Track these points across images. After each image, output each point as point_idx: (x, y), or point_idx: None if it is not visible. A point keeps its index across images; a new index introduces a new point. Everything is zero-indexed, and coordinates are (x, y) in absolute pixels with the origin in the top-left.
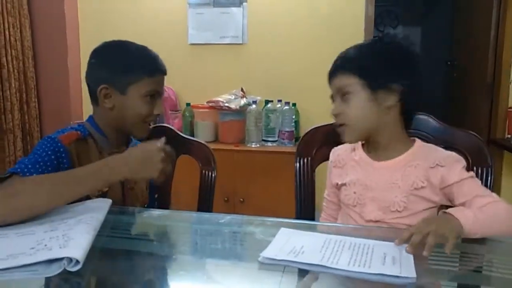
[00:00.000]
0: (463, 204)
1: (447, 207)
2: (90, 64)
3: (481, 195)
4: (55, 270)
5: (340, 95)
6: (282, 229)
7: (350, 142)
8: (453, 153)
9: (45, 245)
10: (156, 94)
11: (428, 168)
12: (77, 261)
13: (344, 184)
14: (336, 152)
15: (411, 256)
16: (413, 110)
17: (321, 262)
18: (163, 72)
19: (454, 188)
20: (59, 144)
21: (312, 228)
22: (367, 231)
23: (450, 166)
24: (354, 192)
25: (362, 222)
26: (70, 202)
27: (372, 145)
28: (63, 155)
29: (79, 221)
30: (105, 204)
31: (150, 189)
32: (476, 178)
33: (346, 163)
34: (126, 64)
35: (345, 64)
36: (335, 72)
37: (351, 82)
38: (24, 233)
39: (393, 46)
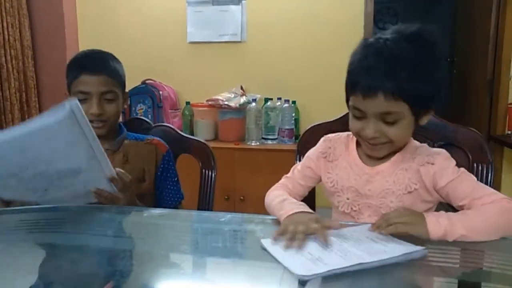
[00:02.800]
0: (461, 207)
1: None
2: None
3: (477, 198)
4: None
5: (382, 117)
6: (262, 240)
7: (382, 155)
8: (443, 151)
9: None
10: (86, 96)
11: (419, 167)
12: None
13: (336, 190)
14: (329, 144)
15: (390, 236)
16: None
17: (356, 261)
18: (91, 71)
19: (449, 191)
20: None
21: None
22: None
23: (441, 165)
24: (347, 199)
25: None
26: None
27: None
28: None
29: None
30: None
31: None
32: (469, 174)
33: (337, 160)
34: (67, 71)
35: (395, 87)
36: (378, 91)
37: (402, 110)
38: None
39: (422, 50)
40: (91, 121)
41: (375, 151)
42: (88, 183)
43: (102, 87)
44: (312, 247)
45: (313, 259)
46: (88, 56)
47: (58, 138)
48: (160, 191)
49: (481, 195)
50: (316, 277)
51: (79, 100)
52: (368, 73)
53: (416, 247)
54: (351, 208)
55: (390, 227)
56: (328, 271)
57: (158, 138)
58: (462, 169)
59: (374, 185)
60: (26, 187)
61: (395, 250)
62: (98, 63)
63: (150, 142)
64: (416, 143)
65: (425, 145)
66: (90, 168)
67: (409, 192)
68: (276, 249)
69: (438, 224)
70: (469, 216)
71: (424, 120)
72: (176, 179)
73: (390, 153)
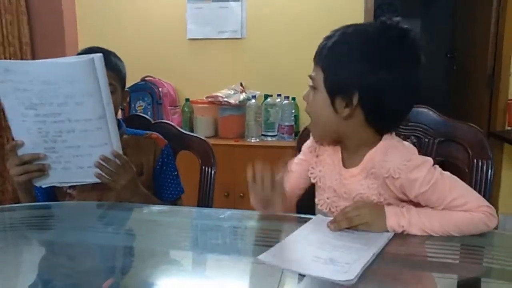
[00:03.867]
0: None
1: None
2: None
3: (448, 202)
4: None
5: (311, 83)
6: (260, 256)
7: (317, 142)
8: (413, 158)
9: None
10: None
11: (385, 178)
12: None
13: (319, 187)
14: None
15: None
16: (382, 118)
17: (371, 253)
18: None
19: (421, 200)
20: None
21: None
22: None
23: (408, 177)
24: (328, 198)
25: None
26: None
27: (342, 147)
28: None
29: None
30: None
31: None
32: (444, 179)
33: (323, 155)
34: None
35: (320, 53)
36: (315, 56)
37: (318, 77)
38: None
39: (371, 42)
40: None
41: (310, 129)
42: (93, 151)
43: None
44: (307, 250)
45: (328, 261)
46: (91, 50)
47: (75, 80)
48: (160, 185)
49: (453, 206)
50: (359, 274)
51: None
52: (319, 44)
53: (389, 233)
54: (329, 209)
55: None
56: (362, 268)
57: (157, 133)
58: (436, 173)
59: (349, 188)
60: (39, 127)
61: (379, 236)
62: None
63: (148, 136)
64: (391, 143)
65: (395, 144)
66: (97, 128)
67: (379, 199)
68: (280, 261)
69: (396, 225)
70: (430, 218)
71: (341, 111)
72: (176, 173)
73: (364, 155)
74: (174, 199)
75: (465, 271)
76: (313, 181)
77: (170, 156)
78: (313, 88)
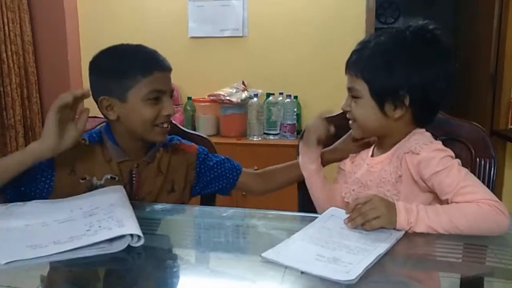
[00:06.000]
0: (446, 201)
1: None
2: (89, 78)
3: (460, 194)
4: (120, 246)
5: (351, 93)
6: (263, 254)
7: (359, 137)
8: (435, 142)
9: (100, 226)
10: (160, 94)
11: (404, 155)
12: (139, 237)
13: (346, 182)
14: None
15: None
16: (427, 113)
17: (376, 253)
18: (163, 68)
19: (434, 183)
20: None
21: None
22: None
23: (427, 155)
24: (353, 190)
25: None
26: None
27: (379, 142)
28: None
29: (111, 205)
30: (120, 190)
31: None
32: (460, 168)
33: (358, 160)
34: (120, 70)
35: (358, 65)
36: (349, 69)
37: (361, 88)
38: (63, 220)
39: (409, 46)
40: (162, 123)
41: (352, 130)
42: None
43: (171, 85)
44: (311, 249)
45: (331, 260)
46: (151, 53)
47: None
48: (217, 179)
49: (464, 192)
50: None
51: (150, 100)
52: (350, 55)
53: (398, 232)
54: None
55: (366, 225)
56: (365, 269)
57: (184, 142)
58: (454, 162)
59: (374, 175)
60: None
61: (387, 236)
62: (164, 59)
63: (176, 147)
64: (419, 133)
65: (425, 134)
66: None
67: (400, 177)
68: (283, 258)
69: (405, 221)
70: (437, 215)
71: (392, 113)
72: (223, 157)
73: (393, 144)
74: (236, 180)
75: (468, 270)
76: (349, 182)
77: (207, 154)
78: (355, 97)
